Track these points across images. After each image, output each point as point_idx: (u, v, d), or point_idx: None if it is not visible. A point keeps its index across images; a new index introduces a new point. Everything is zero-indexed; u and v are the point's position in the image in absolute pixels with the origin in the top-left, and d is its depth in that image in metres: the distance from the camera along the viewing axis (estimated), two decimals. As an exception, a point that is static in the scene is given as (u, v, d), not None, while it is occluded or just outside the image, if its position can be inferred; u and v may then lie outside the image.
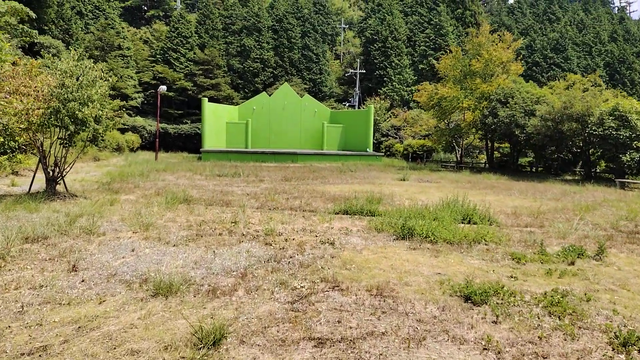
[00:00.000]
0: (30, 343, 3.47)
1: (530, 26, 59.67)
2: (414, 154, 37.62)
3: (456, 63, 30.20)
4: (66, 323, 3.83)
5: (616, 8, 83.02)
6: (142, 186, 13.08)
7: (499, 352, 3.52)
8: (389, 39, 48.97)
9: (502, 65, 29.09)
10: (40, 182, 11.28)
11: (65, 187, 11.02)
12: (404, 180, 18.15)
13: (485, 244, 7.16)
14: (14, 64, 11.06)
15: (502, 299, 4.62)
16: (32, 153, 16.14)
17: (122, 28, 41.32)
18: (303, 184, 15.26)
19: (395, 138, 41.80)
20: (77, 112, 9.65)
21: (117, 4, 48.92)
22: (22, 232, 6.55)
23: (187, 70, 41.15)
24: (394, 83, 47.77)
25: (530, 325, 4.04)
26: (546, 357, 3.48)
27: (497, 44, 28.98)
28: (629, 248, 7.42)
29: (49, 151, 10.56)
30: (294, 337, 3.68)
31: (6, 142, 12.88)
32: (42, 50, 21.55)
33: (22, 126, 9.65)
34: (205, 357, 3.31)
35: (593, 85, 29.63)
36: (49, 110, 9.66)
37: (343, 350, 3.48)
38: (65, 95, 9.63)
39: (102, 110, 10.36)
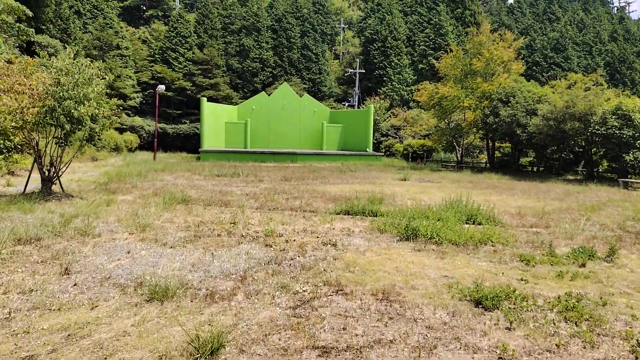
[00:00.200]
0: (15, 352, 3.26)
1: (530, 26, 59.50)
2: (414, 154, 37.40)
3: (457, 62, 30.02)
4: (55, 330, 3.62)
5: (615, 8, 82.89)
6: (140, 186, 12.87)
7: (515, 362, 3.31)
8: (389, 38, 48.75)
9: (503, 65, 28.91)
10: (36, 182, 11.08)
11: (61, 187, 10.82)
12: (404, 180, 17.95)
13: (492, 245, 6.96)
14: (9, 61, 10.84)
15: (514, 304, 4.41)
16: (28, 153, 15.91)
17: (121, 28, 41.02)
18: (303, 184, 15.05)
19: (395, 138, 41.55)
20: (72, 111, 9.45)
21: (116, 4, 48.64)
22: (14, 234, 6.34)
23: (186, 70, 40.90)
24: (394, 83, 47.54)
25: (546, 332, 3.83)
26: (565, 367, 3.27)
27: (498, 43, 28.82)
28: (639, 249, 7.23)
29: (45, 150, 10.35)
30: (297, 345, 3.47)
31: (1, 141, 12.66)
32: (39, 49, 21.32)
33: (16, 124, 9.43)
34: (203, 368, 3.11)
35: (595, 85, 29.43)
36: (44, 109, 9.45)
37: (349, 360, 3.27)
38: (61, 94, 9.43)
39: (98, 109, 10.16)
